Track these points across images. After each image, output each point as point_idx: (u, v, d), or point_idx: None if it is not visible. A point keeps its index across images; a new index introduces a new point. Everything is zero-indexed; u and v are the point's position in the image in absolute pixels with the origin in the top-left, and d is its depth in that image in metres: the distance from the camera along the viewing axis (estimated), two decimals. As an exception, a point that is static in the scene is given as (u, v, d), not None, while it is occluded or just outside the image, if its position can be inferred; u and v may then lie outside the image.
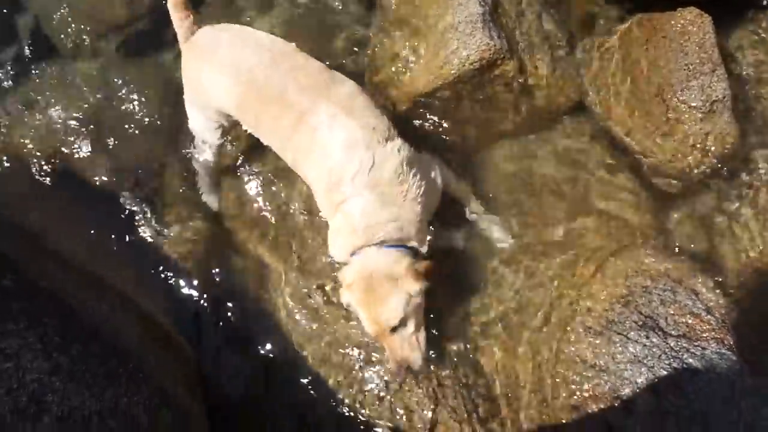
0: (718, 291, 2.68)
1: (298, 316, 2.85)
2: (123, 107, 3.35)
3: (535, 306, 2.77)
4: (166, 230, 3.10)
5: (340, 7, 3.62)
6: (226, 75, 2.55)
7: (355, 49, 3.45)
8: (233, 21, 2.83)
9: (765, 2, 3.13)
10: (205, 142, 2.99)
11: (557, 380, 2.58)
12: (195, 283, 2.97)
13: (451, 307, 2.85)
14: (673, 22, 3.02)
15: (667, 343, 2.55)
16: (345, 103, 2.42)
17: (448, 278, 2.82)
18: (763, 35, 3.07)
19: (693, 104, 2.87)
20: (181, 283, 2.96)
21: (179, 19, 2.68)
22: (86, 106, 3.33)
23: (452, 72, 2.96)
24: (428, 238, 2.58)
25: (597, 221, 2.89)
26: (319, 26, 3.52)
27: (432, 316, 2.64)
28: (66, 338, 2.16)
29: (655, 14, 3.10)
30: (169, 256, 3.00)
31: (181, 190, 3.22)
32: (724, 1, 2.94)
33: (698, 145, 2.86)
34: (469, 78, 2.98)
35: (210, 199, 3.23)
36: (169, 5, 2.68)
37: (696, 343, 2.53)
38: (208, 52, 2.62)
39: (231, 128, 2.92)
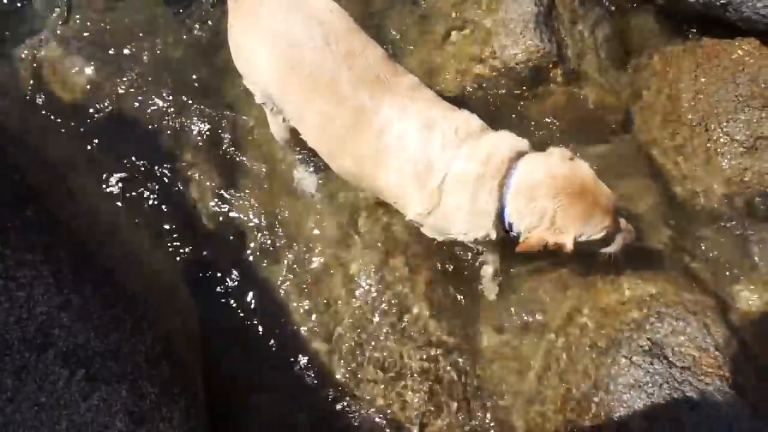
0: (729, 329, 2.66)
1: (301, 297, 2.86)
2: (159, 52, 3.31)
3: (549, 314, 2.74)
4: (185, 184, 3.06)
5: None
6: (266, 45, 2.20)
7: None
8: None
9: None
10: (274, 131, 2.69)
11: (558, 392, 2.57)
12: (207, 242, 2.96)
13: (460, 308, 2.84)
14: (729, 51, 2.94)
15: (671, 373, 2.53)
16: (409, 94, 2.19)
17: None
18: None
19: (736, 137, 2.81)
20: (196, 239, 2.95)
21: None
22: (124, 50, 3.29)
23: (498, 66, 2.91)
24: None
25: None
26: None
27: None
28: (79, 276, 2.17)
29: (712, 40, 3.02)
30: (184, 212, 2.99)
31: (203, 147, 3.16)
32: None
33: (735, 179, 2.81)
34: (513, 76, 2.94)
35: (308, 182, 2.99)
36: None
37: (700, 378, 2.51)
38: (251, 11, 2.25)
39: None
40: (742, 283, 2.85)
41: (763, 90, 2.82)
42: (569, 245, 2.11)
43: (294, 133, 2.55)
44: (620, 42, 3.23)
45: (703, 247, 2.82)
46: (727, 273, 2.82)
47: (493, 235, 2.26)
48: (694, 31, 3.16)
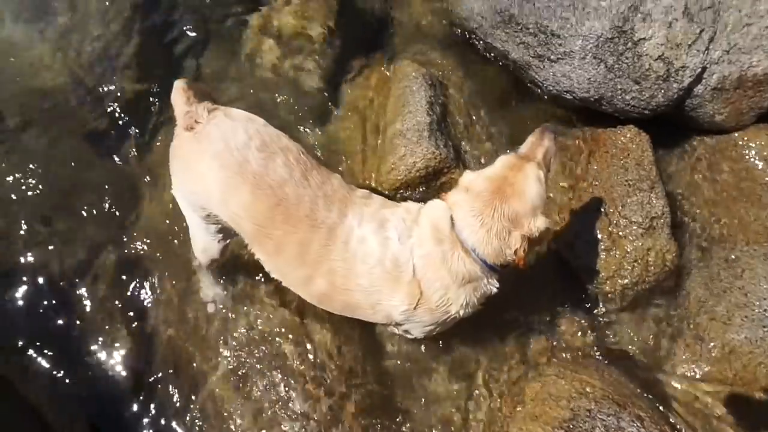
0: (660, 417, 2.59)
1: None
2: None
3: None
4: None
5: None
6: (248, 185, 2.17)
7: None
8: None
9: (702, 126, 3.23)
10: (204, 249, 2.60)
11: None
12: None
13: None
14: (614, 139, 3.11)
15: (616, 474, 2.41)
16: (363, 202, 2.36)
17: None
18: (696, 157, 3.18)
19: (634, 219, 2.90)
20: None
21: (184, 105, 2.27)
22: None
23: (399, 178, 2.97)
24: None
25: (541, 338, 2.81)
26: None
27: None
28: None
29: (598, 130, 3.20)
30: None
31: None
32: (662, 121, 3.04)
33: (639, 261, 2.86)
34: (416, 185, 2.99)
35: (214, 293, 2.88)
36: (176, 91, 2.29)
37: (642, 476, 2.40)
38: (224, 149, 2.18)
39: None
40: (665, 364, 2.83)
41: (649, 173, 2.96)
42: (545, 223, 2.18)
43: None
44: (517, 137, 3.36)
45: (619, 335, 2.81)
46: (647, 358, 2.79)
47: (496, 286, 2.34)
48: (583, 121, 3.34)
